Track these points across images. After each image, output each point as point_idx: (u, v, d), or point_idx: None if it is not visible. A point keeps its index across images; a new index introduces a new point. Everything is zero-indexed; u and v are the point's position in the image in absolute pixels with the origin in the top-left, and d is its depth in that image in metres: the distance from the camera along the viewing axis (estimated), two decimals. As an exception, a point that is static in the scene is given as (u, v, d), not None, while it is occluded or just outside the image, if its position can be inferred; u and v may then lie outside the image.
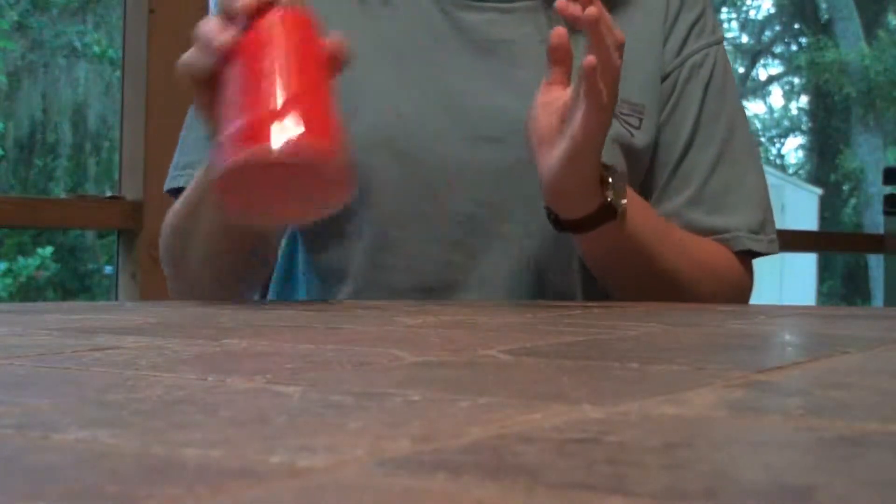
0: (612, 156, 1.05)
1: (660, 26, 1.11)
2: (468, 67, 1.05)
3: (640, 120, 1.07)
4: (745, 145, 1.13)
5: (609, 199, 0.94)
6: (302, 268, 1.13)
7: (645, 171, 1.11)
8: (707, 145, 1.11)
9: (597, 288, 1.12)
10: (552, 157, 0.91)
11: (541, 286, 1.05)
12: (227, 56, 0.81)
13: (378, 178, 1.05)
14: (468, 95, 1.04)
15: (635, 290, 1.04)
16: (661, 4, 1.11)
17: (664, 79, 1.11)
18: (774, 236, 1.12)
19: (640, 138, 1.08)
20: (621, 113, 1.06)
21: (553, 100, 0.93)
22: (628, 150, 1.07)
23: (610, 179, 0.94)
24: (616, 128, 1.06)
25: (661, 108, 1.10)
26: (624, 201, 0.95)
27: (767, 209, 1.13)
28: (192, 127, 1.11)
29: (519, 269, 1.05)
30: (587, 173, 0.93)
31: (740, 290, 1.10)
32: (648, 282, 1.03)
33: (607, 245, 0.97)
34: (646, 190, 1.11)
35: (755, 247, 1.09)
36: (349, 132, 1.04)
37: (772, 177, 12.45)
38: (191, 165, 1.07)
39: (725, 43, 1.20)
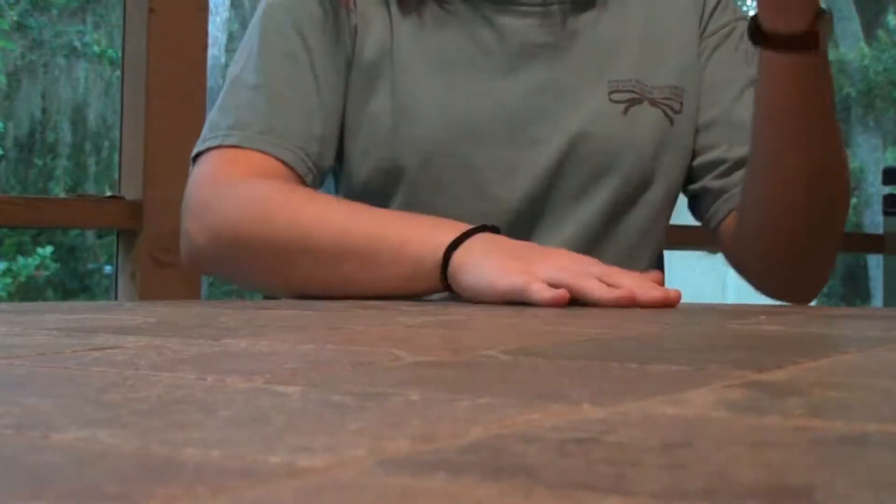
0: (656, 130, 1.08)
1: (694, 8, 1.14)
2: (511, 73, 1.09)
3: (681, 103, 1.11)
4: None
5: (818, 25, 0.92)
6: None
7: (691, 157, 1.14)
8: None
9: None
10: None
11: None
12: None
13: (431, 182, 1.07)
14: (512, 99, 1.08)
15: (788, 163, 1.01)
16: (695, 16, 1.14)
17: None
18: None
19: (682, 123, 1.11)
20: (662, 99, 1.10)
21: None
22: (669, 136, 1.10)
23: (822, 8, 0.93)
24: (657, 117, 1.09)
25: (698, 86, 1.13)
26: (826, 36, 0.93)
27: None
28: (234, 91, 1.07)
29: None
30: None
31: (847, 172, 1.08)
32: (805, 155, 1.00)
33: (795, 79, 0.95)
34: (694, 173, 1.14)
35: None
36: (404, 138, 1.06)
37: (772, 177, 12.39)
38: (250, 124, 1.03)
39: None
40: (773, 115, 1.00)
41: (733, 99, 1.13)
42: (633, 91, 1.10)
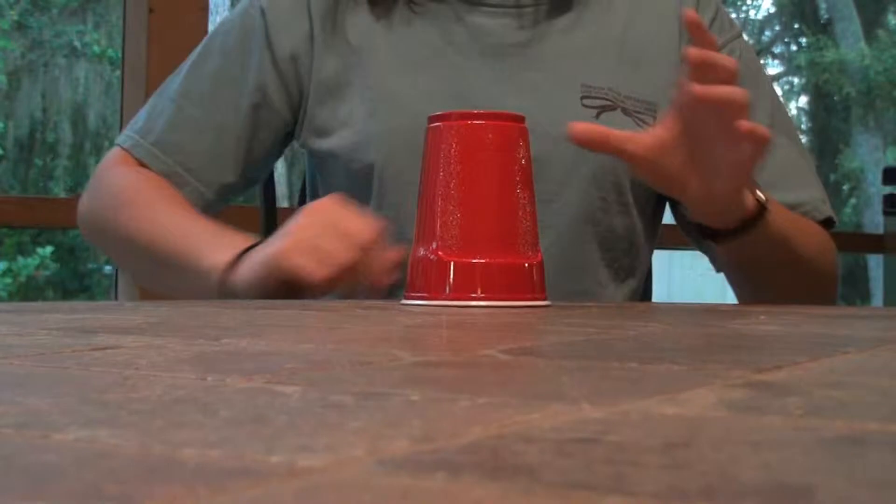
0: None
1: (676, 28, 1.13)
2: (482, 72, 1.09)
3: (654, 117, 1.10)
4: (788, 129, 1.17)
5: (759, 201, 0.96)
6: None
7: None
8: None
9: (616, 285, 1.13)
10: (700, 189, 0.92)
11: (559, 280, 1.07)
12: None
13: (396, 179, 1.07)
14: (482, 99, 1.08)
15: (774, 283, 1.08)
16: (674, 8, 1.13)
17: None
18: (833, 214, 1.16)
19: None
20: (635, 112, 1.09)
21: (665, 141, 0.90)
22: None
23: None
24: (630, 124, 1.09)
25: None
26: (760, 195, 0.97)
27: (822, 186, 1.17)
28: (159, 95, 1.18)
29: None
30: (739, 195, 0.95)
31: (835, 260, 1.14)
32: (786, 270, 1.06)
33: (757, 242, 0.99)
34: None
35: (832, 213, 1.14)
36: (371, 136, 1.07)
37: (771, 177, 12.41)
38: (150, 133, 1.15)
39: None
40: (739, 269, 1.08)
41: None
42: (605, 98, 1.09)
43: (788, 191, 1.10)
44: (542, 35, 1.11)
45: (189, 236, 1.04)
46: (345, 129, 1.10)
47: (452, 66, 1.09)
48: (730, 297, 1.24)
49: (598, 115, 1.09)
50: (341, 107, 1.11)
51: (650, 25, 1.13)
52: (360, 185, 1.11)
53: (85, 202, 1.16)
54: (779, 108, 1.17)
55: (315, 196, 1.21)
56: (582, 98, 1.09)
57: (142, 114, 1.18)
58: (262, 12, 1.14)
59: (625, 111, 1.10)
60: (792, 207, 1.10)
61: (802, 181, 1.13)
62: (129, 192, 1.12)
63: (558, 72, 1.08)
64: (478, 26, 1.10)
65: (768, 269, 1.05)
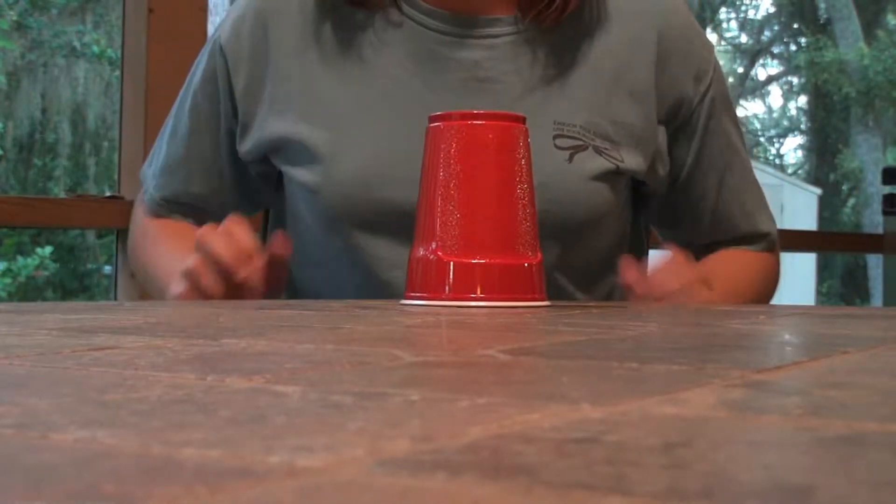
0: (598, 192, 1.06)
1: (650, 59, 1.11)
2: (453, 109, 1.03)
3: (619, 151, 1.08)
4: (742, 167, 1.23)
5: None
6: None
7: (658, 192, 1.17)
8: (739, 164, 1.21)
9: (597, 292, 1.13)
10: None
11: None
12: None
13: (360, 224, 1.05)
14: None
15: None
16: (651, 38, 1.10)
17: (679, 121, 1.12)
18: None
19: (630, 161, 1.09)
20: (605, 150, 1.07)
21: None
22: (618, 175, 1.09)
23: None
24: (601, 164, 1.07)
25: (650, 144, 1.13)
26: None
27: (769, 209, 1.27)
28: (163, 130, 1.21)
29: None
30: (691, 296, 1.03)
31: (777, 281, 1.28)
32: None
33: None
34: (678, 217, 1.21)
35: (775, 236, 1.25)
36: (332, 178, 1.05)
37: (771, 177, 12.48)
38: (150, 168, 1.22)
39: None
40: None
41: (718, 180, 1.19)
42: (577, 138, 1.07)
43: (746, 224, 1.21)
44: (516, 67, 1.07)
45: (165, 271, 1.12)
46: (312, 163, 1.07)
47: (423, 104, 1.03)
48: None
49: (570, 159, 1.06)
50: (310, 140, 1.08)
51: (624, 52, 1.10)
52: (322, 225, 1.10)
53: (129, 241, 1.29)
54: (734, 149, 1.20)
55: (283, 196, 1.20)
56: (554, 137, 1.06)
57: (155, 146, 1.24)
58: (222, 52, 1.13)
59: (595, 149, 1.07)
60: (749, 238, 1.21)
61: (757, 214, 1.22)
62: (133, 235, 1.27)
63: (531, 108, 1.02)
64: (452, 62, 1.07)
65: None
